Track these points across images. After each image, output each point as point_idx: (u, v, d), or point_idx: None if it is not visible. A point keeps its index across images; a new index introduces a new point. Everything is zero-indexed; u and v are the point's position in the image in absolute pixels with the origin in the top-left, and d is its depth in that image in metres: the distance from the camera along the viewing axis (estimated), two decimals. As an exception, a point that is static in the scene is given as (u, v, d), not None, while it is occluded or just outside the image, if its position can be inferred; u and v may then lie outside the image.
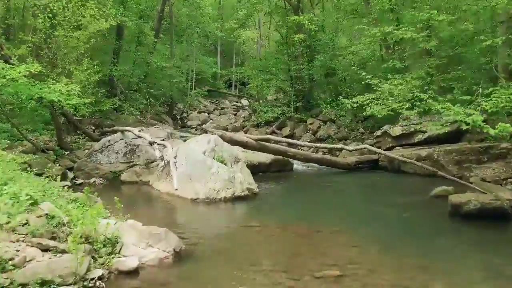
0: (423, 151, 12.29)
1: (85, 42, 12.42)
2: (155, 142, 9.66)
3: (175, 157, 9.73)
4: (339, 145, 12.55)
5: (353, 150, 12.92)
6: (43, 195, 6.13)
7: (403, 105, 9.61)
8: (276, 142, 12.42)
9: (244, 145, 11.82)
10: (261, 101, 26.94)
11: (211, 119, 31.35)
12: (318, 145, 13.58)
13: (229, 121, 28.78)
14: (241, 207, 8.90)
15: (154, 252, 5.33)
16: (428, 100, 8.61)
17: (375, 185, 11.42)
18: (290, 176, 12.85)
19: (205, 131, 11.61)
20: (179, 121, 27.24)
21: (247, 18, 23.66)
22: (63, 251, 4.62)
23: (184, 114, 31.25)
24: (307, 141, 18.18)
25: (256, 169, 12.35)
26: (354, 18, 18.73)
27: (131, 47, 23.26)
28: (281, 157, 12.83)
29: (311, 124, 19.79)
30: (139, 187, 10.91)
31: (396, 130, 13.85)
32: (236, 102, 40.28)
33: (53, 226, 4.98)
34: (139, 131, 11.01)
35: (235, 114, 32.68)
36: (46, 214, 5.08)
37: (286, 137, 19.58)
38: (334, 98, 18.16)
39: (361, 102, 10.38)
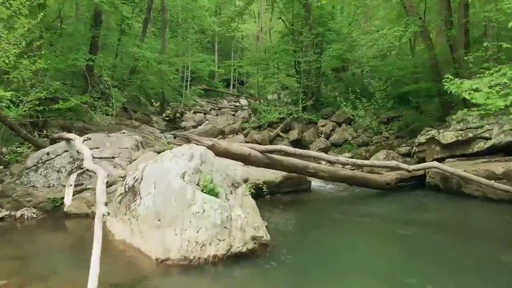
0: (497, 167, 8.30)
1: (21, 13, 8.38)
2: (82, 169, 5.61)
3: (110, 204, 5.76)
4: (392, 163, 8.43)
5: (415, 171, 8.75)
6: None
7: None
8: (291, 154, 8.34)
9: (246, 160, 7.81)
10: (261, 100, 22.92)
11: (207, 120, 27.33)
12: (362, 162, 8.98)
13: (227, 122, 24.80)
14: (242, 281, 4.89)
15: None
16: None
17: (444, 220, 7.41)
18: (308, 200, 8.86)
19: (188, 140, 7.50)
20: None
21: (247, 5, 19.58)
22: None
23: (177, 114, 27.25)
24: (321, 147, 14.19)
25: (261, 191, 8.44)
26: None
27: (115, 37, 19.20)
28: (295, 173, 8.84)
29: (323, 126, 15.80)
30: (89, 224, 6.88)
31: (448, 136, 9.85)
32: (235, 101, 36.28)
33: None
34: (86, 139, 6.96)
35: (233, 115, 28.70)
36: None
37: (294, 142, 15.61)
38: (358, 95, 14.10)
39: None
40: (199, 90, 30.24)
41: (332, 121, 16.04)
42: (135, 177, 6.41)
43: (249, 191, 6.43)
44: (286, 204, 8.26)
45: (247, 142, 16.48)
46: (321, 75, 17.17)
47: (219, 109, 31.69)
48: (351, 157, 13.20)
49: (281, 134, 16.46)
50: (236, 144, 7.77)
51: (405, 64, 12.60)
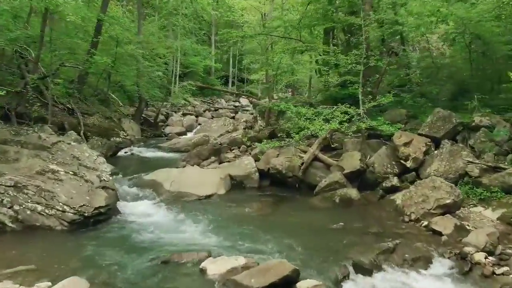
0: None
1: None
2: None
3: None
4: None
5: None
6: None
7: None
8: None
9: None
10: (275, 97, 14.41)
11: (199, 124, 18.79)
12: None
13: (225, 127, 16.34)
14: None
15: None
16: None
17: None
18: None
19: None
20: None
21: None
22: None
23: (161, 117, 18.74)
24: (445, 202, 5.66)
25: None
26: None
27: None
28: None
29: (406, 144, 7.35)
30: None
31: None
32: (234, 101, 27.79)
33: None
34: None
35: (233, 117, 20.24)
36: None
37: (352, 175, 7.29)
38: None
39: None
40: (191, 87, 21.63)
41: (421, 134, 7.64)
42: None
43: None
44: None
45: (262, 171, 8.07)
46: (390, 52, 8.74)
47: (216, 110, 23.20)
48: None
49: (321, 156, 8.05)
50: None
51: None
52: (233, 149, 11.38)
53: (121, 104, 17.52)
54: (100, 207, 5.70)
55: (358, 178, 7.43)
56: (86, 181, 6.24)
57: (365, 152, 7.77)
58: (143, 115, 17.36)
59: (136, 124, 15.76)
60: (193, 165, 8.84)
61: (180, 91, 21.69)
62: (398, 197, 6.42)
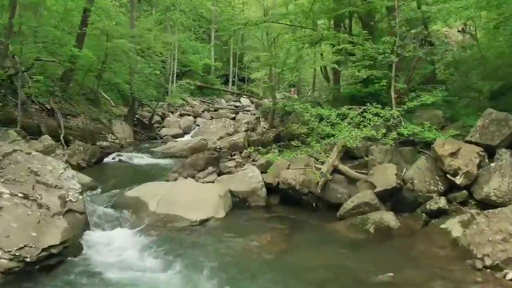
0: None
1: None
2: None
3: None
4: None
5: None
6: None
7: None
8: None
9: None
10: (277, 97, 12.71)
11: (197, 126, 17.17)
12: None
13: (225, 129, 14.69)
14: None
15: None
16: None
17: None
18: None
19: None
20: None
21: None
22: None
23: (157, 118, 17.05)
24: None
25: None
26: None
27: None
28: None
29: (452, 154, 5.71)
30: None
31: None
32: (234, 101, 26.12)
33: None
34: None
35: (233, 118, 18.60)
36: None
37: (385, 194, 5.58)
38: None
39: None
40: (189, 86, 19.93)
41: (469, 141, 5.99)
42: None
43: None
44: None
45: (270, 185, 6.43)
46: (423, 42, 7.08)
47: (215, 110, 21.52)
48: None
49: (343, 168, 6.41)
50: None
51: None
52: (234, 155, 9.75)
53: (113, 104, 15.87)
54: (51, 246, 4.04)
55: (391, 196, 5.79)
56: (40, 206, 4.58)
57: (398, 164, 6.12)
58: (137, 116, 15.69)
59: (128, 126, 14.05)
60: (186, 178, 7.18)
61: (178, 90, 20.06)
62: (452, 226, 4.78)
